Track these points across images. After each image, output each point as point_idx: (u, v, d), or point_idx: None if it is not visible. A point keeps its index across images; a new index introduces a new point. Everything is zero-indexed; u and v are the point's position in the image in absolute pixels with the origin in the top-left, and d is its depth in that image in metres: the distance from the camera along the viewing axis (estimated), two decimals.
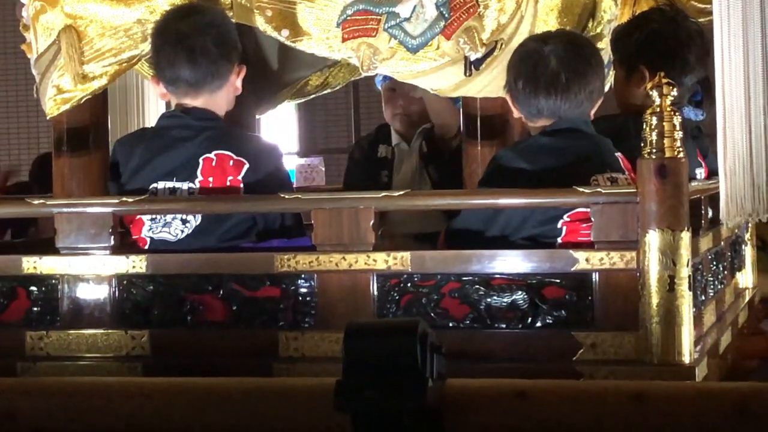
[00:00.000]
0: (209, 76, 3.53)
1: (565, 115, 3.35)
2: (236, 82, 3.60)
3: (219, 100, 3.58)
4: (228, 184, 3.47)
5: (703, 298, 3.46)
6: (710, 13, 4.08)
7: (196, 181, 3.48)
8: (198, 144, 3.50)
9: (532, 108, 3.38)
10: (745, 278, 4.77)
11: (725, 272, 4.06)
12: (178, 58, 3.50)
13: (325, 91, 4.72)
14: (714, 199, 3.76)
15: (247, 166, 3.49)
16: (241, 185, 3.48)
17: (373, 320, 3.02)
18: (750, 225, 4.89)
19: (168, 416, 2.78)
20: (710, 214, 3.73)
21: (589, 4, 3.74)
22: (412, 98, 4.71)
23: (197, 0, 3.64)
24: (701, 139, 4.38)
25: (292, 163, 9.97)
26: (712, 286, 3.68)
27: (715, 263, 3.78)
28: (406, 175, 4.69)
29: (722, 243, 4.00)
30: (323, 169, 5.26)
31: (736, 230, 4.50)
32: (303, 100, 4.79)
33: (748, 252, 4.83)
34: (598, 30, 3.84)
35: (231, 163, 3.49)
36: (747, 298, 4.56)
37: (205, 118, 3.55)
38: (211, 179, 3.49)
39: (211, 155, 3.49)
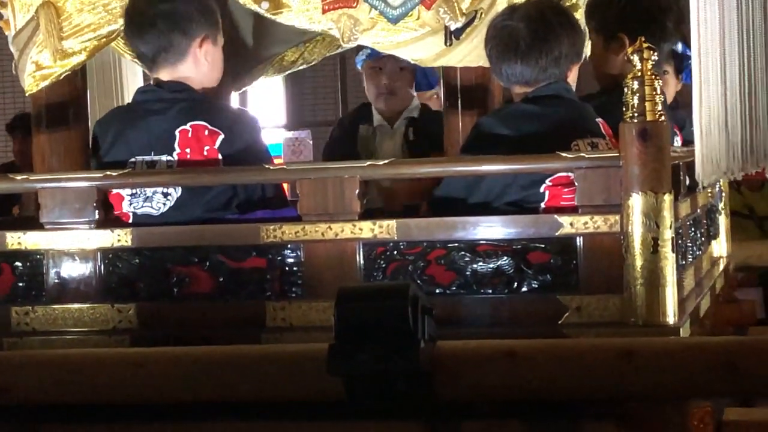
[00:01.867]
0: (162, 51, 3.56)
1: (533, 80, 3.38)
2: (202, 54, 3.59)
3: (185, 73, 3.59)
4: (205, 154, 3.48)
5: (684, 263, 3.50)
6: None
7: (174, 153, 3.49)
8: (173, 116, 3.51)
9: (501, 75, 3.45)
10: (720, 247, 4.83)
11: (702, 239, 4.11)
12: (133, 35, 3.57)
13: (300, 67, 4.72)
14: (691, 167, 3.81)
15: (222, 136, 3.50)
16: (219, 155, 3.49)
17: (364, 284, 3.04)
18: (724, 194, 4.95)
19: (160, 386, 2.79)
20: (687, 181, 3.78)
21: None
22: (396, 76, 4.71)
23: None
24: (677, 109, 4.43)
25: (279, 136, 9.94)
26: (690, 252, 3.72)
27: (693, 229, 3.82)
28: (386, 155, 4.70)
29: (699, 210, 4.05)
30: (311, 142, 5.27)
31: (711, 199, 4.56)
32: (280, 75, 4.79)
33: (722, 221, 4.89)
34: (574, 1, 3.87)
35: (206, 132, 3.50)
36: (722, 266, 4.62)
37: (179, 89, 3.56)
38: (188, 150, 3.49)
39: (187, 127, 3.50)
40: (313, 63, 4.72)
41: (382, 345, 2.55)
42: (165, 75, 3.58)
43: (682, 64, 4.81)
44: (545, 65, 3.38)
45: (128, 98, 4.68)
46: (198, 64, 3.60)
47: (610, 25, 3.97)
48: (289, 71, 4.73)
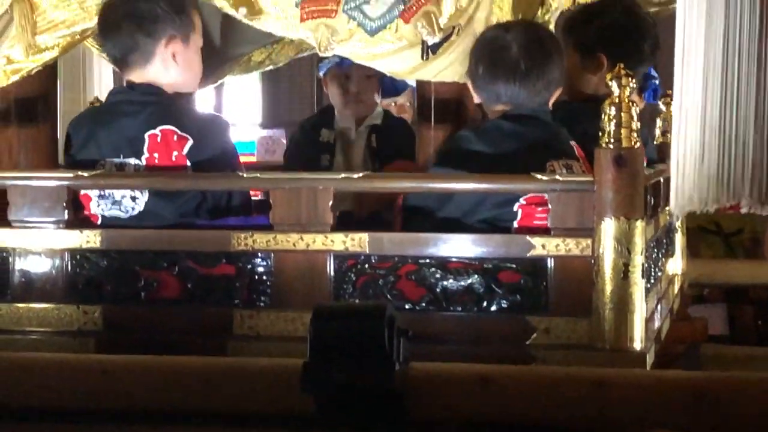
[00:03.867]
0: (129, 52, 3.56)
1: (524, 102, 3.41)
2: (169, 55, 3.58)
3: (155, 74, 3.58)
4: (174, 159, 3.47)
5: (648, 285, 3.53)
6: (657, 3, 4.18)
7: (143, 158, 3.48)
8: (143, 120, 3.50)
9: (491, 93, 3.44)
10: (676, 264, 4.87)
11: (662, 259, 4.15)
12: (102, 36, 3.59)
13: (268, 68, 4.71)
14: (656, 187, 3.85)
15: (191, 142, 3.49)
16: (187, 162, 3.48)
17: (340, 303, 3.05)
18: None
19: (129, 395, 2.78)
20: (651, 201, 3.81)
21: None
22: (364, 83, 4.71)
23: None
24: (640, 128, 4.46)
25: (254, 134, 9.87)
26: (653, 274, 3.75)
27: (655, 251, 3.86)
28: (347, 160, 4.71)
29: (659, 231, 4.08)
30: (285, 141, 5.23)
31: (669, 218, 4.60)
32: (247, 74, 4.76)
33: (679, 238, 4.93)
34: (546, 18, 3.88)
35: (175, 138, 3.49)
36: (677, 285, 4.66)
37: (150, 93, 3.55)
38: (156, 155, 3.48)
39: (156, 131, 3.49)
40: (279, 65, 4.70)
41: (357, 365, 2.55)
42: (136, 77, 3.58)
43: (645, 83, 4.85)
44: (540, 89, 3.40)
45: (96, 93, 4.66)
46: (167, 66, 3.59)
47: (588, 42, 3.99)
48: (255, 71, 4.71)
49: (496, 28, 3.47)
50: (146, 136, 3.47)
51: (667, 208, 4.25)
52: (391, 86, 4.86)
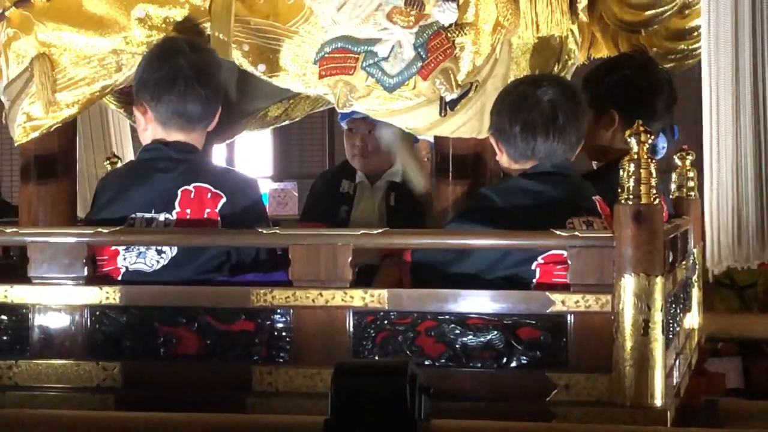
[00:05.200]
0: (211, 113, 3.60)
1: (558, 157, 3.41)
2: (215, 120, 3.65)
3: (203, 136, 3.64)
4: (206, 216, 3.49)
5: (667, 341, 3.53)
6: (674, 60, 4.21)
7: (174, 212, 3.49)
8: (177, 176, 3.52)
9: (527, 150, 3.41)
10: (693, 319, 4.86)
11: (680, 314, 4.14)
12: (190, 93, 3.53)
13: (284, 123, 4.74)
14: (674, 242, 3.85)
15: (224, 199, 3.51)
16: (219, 218, 3.50)
17: (362, 360, 3.04)
18: (698, 266, 4.99)
19: None
20: (670, 257, 3.81)
21: (556, 47, 3.81)
22: (367, 138, 4.72)
23: (177, 35, 3.65)
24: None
25: (265, 187, 9.86)
26: (671, 329, 3.75)
27: (673, 306, 3.85)
28: (365, 213, 4.71)
29: (677, 286, 4.08)
30: (296, 194, 5.22)
31: (686, 272, 4.60)
32: (262, 131, 4.79)
33: (696, 293, 4.93)
34: (562, 73, 3.91)
35: (209, 195, 3.51)
36: (695, 339, 4.65)
37: (185, 150, 3.57)
38: (188, 211, 3.50)
39: (190, 187, 3.51)
40: (296, 119, 4.73)
41: (378, 422, 2.55)
42: (182, 136, 3.58)
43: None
44: (574, 142, 3.42)
45: (114, 148, 4.70)
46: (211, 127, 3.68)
47: (600, 99, 4.01)
48: (272, 126, 4.74)
49: (523, 83, 3.47)
50: (179, 191, 3.49)
51: (683, 263, 4.26)
52: None
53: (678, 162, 4.79)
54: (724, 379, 5.01)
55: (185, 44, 3.59)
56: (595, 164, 4.26)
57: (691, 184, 4.75)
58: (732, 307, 6.62)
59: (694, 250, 4.66)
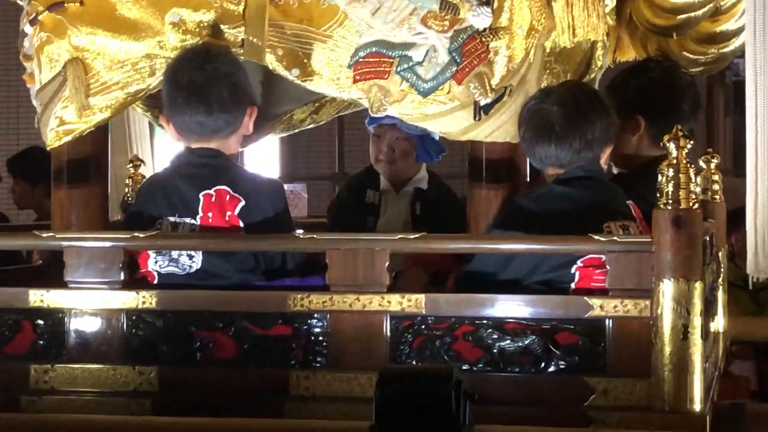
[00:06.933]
0: (224, 124, 3.57)
1: (568, 163, 3.43)
2: (249, 124, 3.64)
3: (231, 143, 3.63)
4: (227, 219, 3.49)
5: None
6: (703, 63, 4.20)
7: (197, 217, 3.50)
8: (199, 180, 3.52)
9: (534, 156, 3.51)
10: (718, 323, 4.86)
11: (710, 318, 4.14)
12: (193, 108, 3.53)
13: (309, 126, 4.73)
14: (704, 247, 3.84)
15: (242, 203, 3.51)
16: (240, 222, 3.50)
17: (406, 366, 3.04)
18: (723, 269, 4.98)
19: None
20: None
21: (587, 51, 3.81)
22: (395, 144, 4.68)
23: (209, 41, 3.64)
24: None
25: None
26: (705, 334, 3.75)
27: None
28: (390, 221, 4.68)
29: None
30: (306, 195, 5.19)
31: (712, 275, 4.59)
32: (288, 134, 4.79)
33: (721, 296, 4.92)
34: (591, 77, 3.91)
35: (227, 198, 3.51)
36: (721, 343, 4.65)
37: (209, 155, 3.57)
38: (210, 215, 3.50)
39: (211, 191, 3.51)
40: (321, 122, 4.72)
41: (423, 429, 2.55)
42: (204, 145, 3.58)
43: None
44: (579, 148, 3.43)
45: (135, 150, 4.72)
46: (243, 132, 3.68)
47: (626, 105, 4.00)
48: (298, 129, 4.73)
49: (539, 92, 3.53)
50: (201, 195, 3.49)
51: (711, 267, 4.26)
52: (424, 152, 4.82)
53: (703, 165, 4.78)
54: (749, 382, 5.00)
55: (194, 57, 3.58)
56: (615, 170, 4.25)
57: (716, 187, 4.75)
58: (746, 309, 6.59)
59: (719, 254, 4.65)
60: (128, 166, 4.83)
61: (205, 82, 3.52)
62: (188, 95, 3.53)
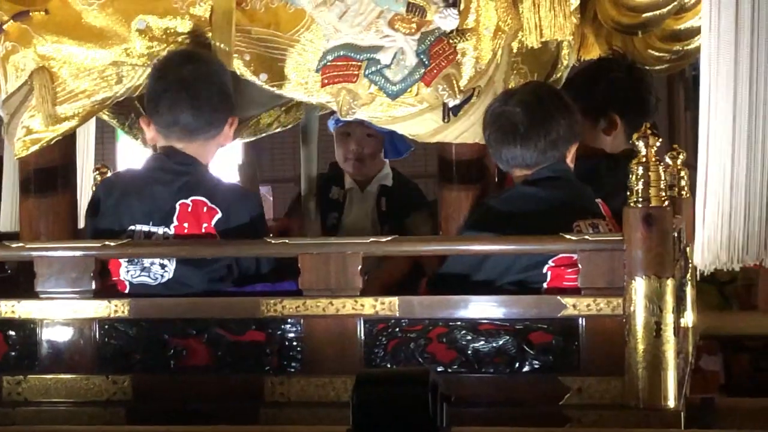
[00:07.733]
0: (207, 125, 3.55)
1: (534, 163, 3.44)
2: (229, 133, 3.64)
3: (210, 148, 3.62)
4: (203, 231, 3.47)
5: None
6: (668, 61, 4.22)
7: (172, 226, 3.48)
8: (176, 189, 3.50)
9: (500, 158, 3.52)
10: (687, 318, 4.88)
11: (679, 314, 4.16)
12: (180, 104, 3.51)
13: (276, 130, 4.72)
14: (673, 243, 3.86)
15: (219, 215, 3.49)
16: (215, 233, 3.48)
17: (383, 369, 3.04)
18: (691, 265, 5.01)
19: None
20: None
21: (554, 51, 3.82)
22: (364, 142, 4.70)
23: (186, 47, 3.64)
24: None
25: None
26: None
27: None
28: (357, 219, 4.69)
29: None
30: (271, 198, 5.13)
31: (681, 271, 4.61)
32: (253, 139, 4.77)
33: (689, 291, 4.95)
34: (557, 76, 3.92)
35: (204, 209, 3.49)
36: (691, 338, 4.67)
37: (186, 163, 3.56)
38: (186, 225, 3.48)
39: (188, 201, 3.49)
40: (288, 126, 4.71)
41: (401, 431, 2.55)
42: (184, 146, 3.57)
43: None
44: (544, 148, 3.44)
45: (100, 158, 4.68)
46: (222, 141, 3.69)
47: (598, 105, 4.02)
48: (264, 134, 4.71)
49: (502, 94, 3.54)
50: (177, 205, 3.48)
51: (679, 262, 4.28)
52: (393, 148, 4.83)
53: (669, 161, 4.80)
54: (718, 376, 5.03)
55: (184, 56, 3.58)
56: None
57: (682, 183, 4.78)
58: (712, 303, 6.62)
59: (687, 249, 4.67)
60: (94, 174, 4.81)
61: (196, 79, 3.52)
62: (178, 91, 3.51)
